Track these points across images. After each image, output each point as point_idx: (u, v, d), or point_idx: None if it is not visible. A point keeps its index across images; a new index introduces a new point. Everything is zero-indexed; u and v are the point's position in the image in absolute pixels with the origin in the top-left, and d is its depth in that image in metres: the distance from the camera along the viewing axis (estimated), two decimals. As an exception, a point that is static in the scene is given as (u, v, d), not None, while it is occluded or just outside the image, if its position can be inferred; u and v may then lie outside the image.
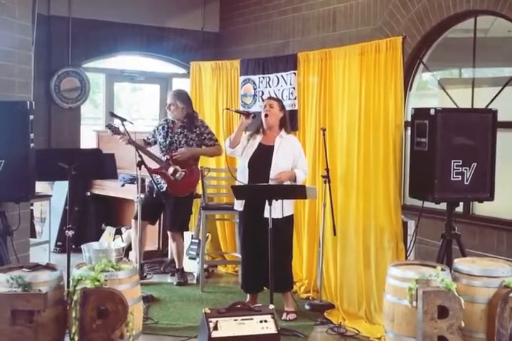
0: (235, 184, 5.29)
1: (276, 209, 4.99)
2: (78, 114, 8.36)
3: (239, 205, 5.40)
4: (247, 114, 5.38)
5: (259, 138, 5.40)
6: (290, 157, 5.31)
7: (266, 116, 5.35)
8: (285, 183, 5.23)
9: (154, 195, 6.21)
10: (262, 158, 5.29)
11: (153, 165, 6.15)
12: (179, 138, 6.17)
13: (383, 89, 5.19)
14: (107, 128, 5.98)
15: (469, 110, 5.30)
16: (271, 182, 5.17)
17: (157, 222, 6.68)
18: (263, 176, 5.19)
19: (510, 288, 4.05)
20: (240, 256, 6.42)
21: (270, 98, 5.64)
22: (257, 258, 5.27)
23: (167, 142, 6.20)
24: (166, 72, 9.31)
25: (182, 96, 6.23)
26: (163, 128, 6.29)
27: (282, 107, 5.45)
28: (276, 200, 4.92)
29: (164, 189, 6.14)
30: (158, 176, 6.13)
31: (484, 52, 5.73)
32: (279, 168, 5.23)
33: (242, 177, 5.31)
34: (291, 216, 5.38)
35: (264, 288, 5.39)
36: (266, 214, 5.02)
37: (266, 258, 4.98)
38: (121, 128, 5.68)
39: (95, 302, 3.83)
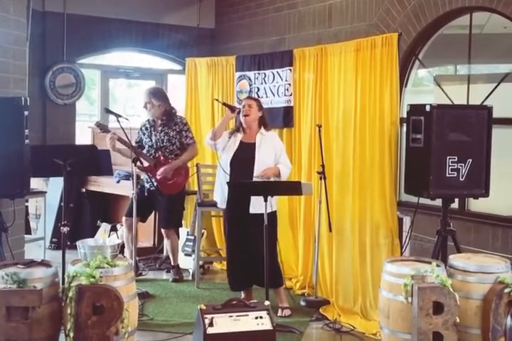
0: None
1: (261, 205, 4.96)
2: (73, 110, 8.34)
3: (222, 202, 5.42)
4: (233, 109, 5.46)
5: (239, 136, 5.42)
6: (272, 153, 5.32)
7: (246, 115, 5.37)
8: (271, 179, 5.24)
9: (146, 193, 6.18)
10: (244, 155, 5.31)
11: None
12: (161, 136, 6.16)
13: (379, 86, 5.19)
14: (95, 126, 5.96)
15: (465, 106, 5.30)
16: (255, 179, 5.19)
17: (148, 219, 6.64)
18: (246, 173, 5.20)
19: (505, 283, 4.06)
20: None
21: (249, 98, 5.69)
22: (243, 255, 5.28)
23: (153, 141, 6.19)
24: (161, 68, 9.29)
25: (157, 94, 6.20)
26: (146, 128, 6.28)
27: (261, 107, 5.47)
28: (272, 197, 4.93)
29: (156, 186, 6.13)
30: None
31: (480, 48, 5.73)
32: (263, 164, 5.25)
33: (224, 175, 5.33)
34: (275, 212, 5.36)
35: (254, 285, 5.40)
36: (252, 210, 5.14)
37: (252, 255, 4.98)
38: (113, 124, 5.68)
39: (90, 298, 3.83)
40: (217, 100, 6.03)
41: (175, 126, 6.18)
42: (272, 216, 5.28)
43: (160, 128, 6.19)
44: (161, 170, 6.08)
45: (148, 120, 6.32)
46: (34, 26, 7.05)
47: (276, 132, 5.82)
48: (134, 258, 5.78)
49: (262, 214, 4.87)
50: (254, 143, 5.34)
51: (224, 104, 5.69)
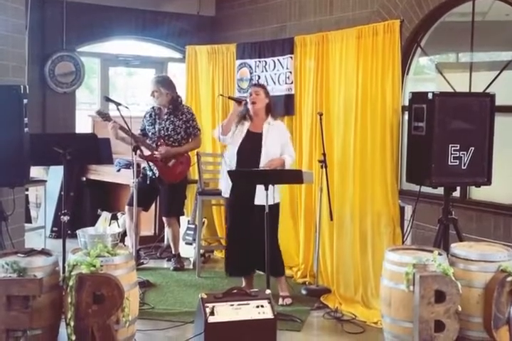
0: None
1: (266, 196, 4.95)
2: (73, 98, 8.31)
3: (225, 192, 5.41)
4: (239, 101, 5.40)
5: (247, 124, 5.39)
6: (278, 143, 5.31)
7: (253, 103, 5.34)
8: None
9: (148, 182, 6.17)
10: (251, 145, 5.29)
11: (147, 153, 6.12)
12: (166, 125, 6.13)
13: (381, 73, 5.15)
14: (96, 114, 5.93)
15: (467, 94, 5.27)
16: None
17: (151, 208, 6.64)
18: (252, 163, 5.18)
19: (507, 272, 4.06)
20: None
21: (255, 85, 5.62)
22: (243, 242, 5.29)
23: (156, 129, 6.15)
24: (161, 56, 9.24)
25: (164, 82, 6.17)
26: (150, 115, 6.24)
27: (267, 94, 5.44)
28: (273, 185, 4.91)
29: (158, 175, 6.11)
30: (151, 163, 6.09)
31: (482, 36, 5.69)
32: (269, 155, 5.23)
33: (231, 164, 5.32)
34: (278, 204, 5.36)
35: (258, 271, 5.42)
36: (256, 202, 5.12)
37: (253, 243, 5.01)
38: (113, 113, 5.65)
39: (91, 287, 3.82)
40: (221, 95, 6.00)
41: (182, 115, 6.16)
42: (275, 208, 5.27)
43: (166, 117, 6.15)
44: (163, 147, 6.05)
45: (153, 107, 6.28)
46: (33, 14, 7.05)
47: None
48: (134, 248, 5.77)
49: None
50: (261, 133, 5.31)
51: (229, 97, 5.66)
